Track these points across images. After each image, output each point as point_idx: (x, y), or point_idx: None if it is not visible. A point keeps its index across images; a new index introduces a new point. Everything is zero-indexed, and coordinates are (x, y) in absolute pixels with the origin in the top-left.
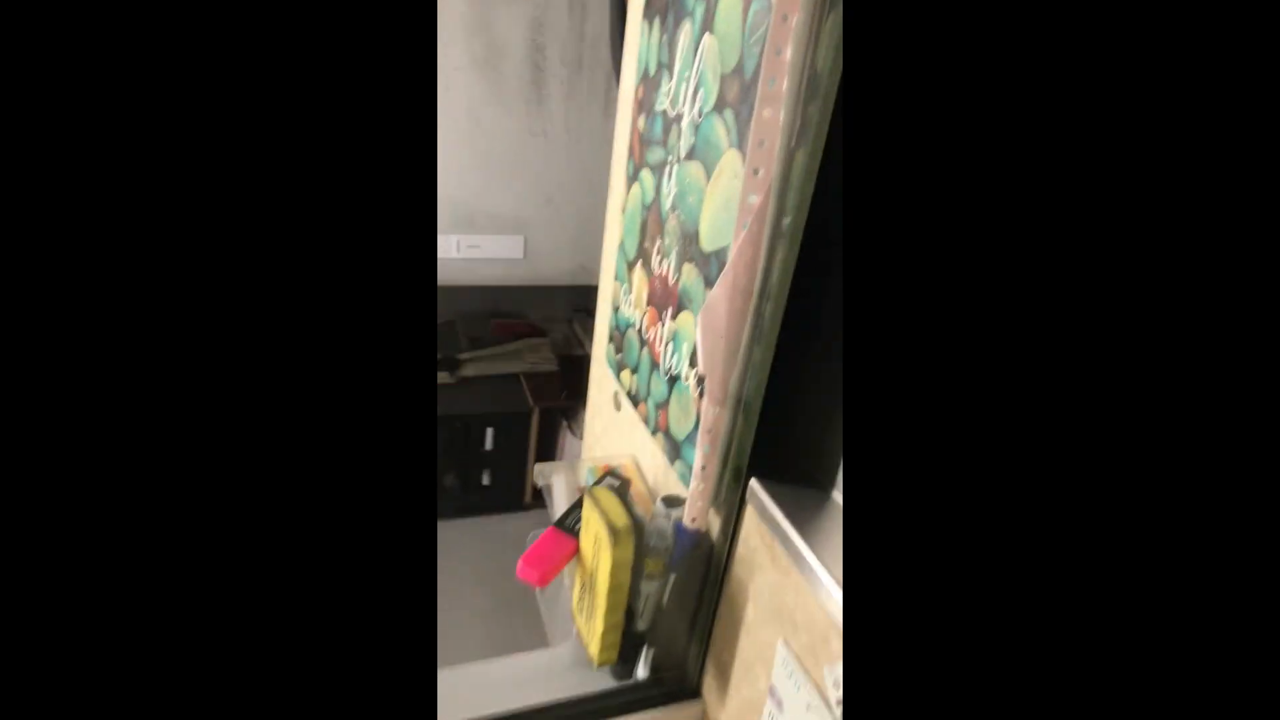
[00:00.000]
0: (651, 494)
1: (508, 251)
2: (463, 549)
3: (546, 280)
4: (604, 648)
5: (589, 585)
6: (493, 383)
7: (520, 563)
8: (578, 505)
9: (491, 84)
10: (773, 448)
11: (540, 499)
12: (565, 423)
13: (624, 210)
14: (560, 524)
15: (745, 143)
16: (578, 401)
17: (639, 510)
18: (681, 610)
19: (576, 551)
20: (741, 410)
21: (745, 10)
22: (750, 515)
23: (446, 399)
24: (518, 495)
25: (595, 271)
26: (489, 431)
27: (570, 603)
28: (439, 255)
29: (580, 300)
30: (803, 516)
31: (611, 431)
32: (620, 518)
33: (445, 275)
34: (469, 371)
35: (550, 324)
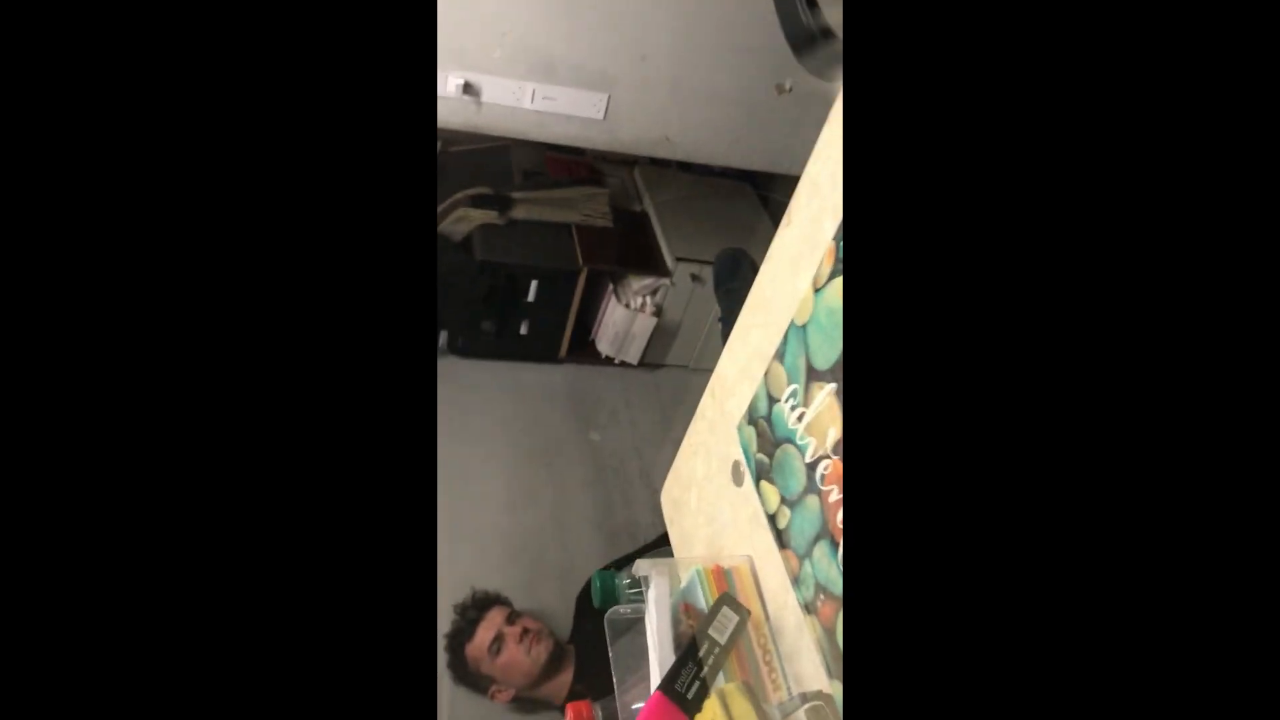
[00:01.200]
0: (772, 629)
1: (587, 110)
2: (491, 393)
3: (625, 148)
4: None
5: None
6: (543, 230)
7: None
8: (689, 656)
9: None
10: None
11: (576, 354)
12: (612, 286)
13: (815, 288)
14: (668, 689)
15: None
16: (628, 266)
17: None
18: None
19: None
20: None
21: None
22: None
23: (494, 242)
24: (554, 348)
25: (681, 147)
26: (533, 284)
27: None
28: (512, 103)
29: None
30: None
31: (720, 504)
32: None
33: (515, 126)
34: (520, 213)
35: (607, 165)
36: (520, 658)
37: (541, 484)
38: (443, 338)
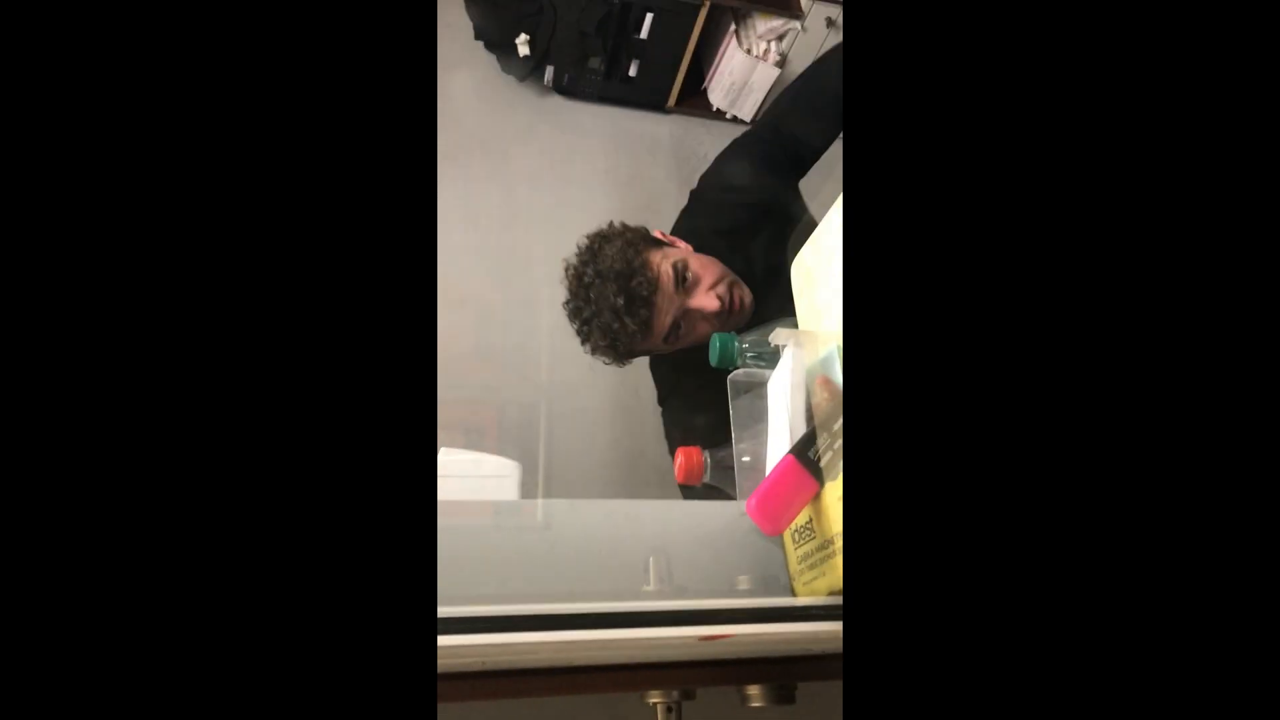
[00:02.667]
0: None
1: None
2: (593, 139)
3: None
4: (811, 593)
5: (825, 553)
6: None
7: (754, 501)
8: (824, 428)
9: None
10: None
11: (685, 104)
12: (734, 27)
13: None
14: (800, 455)
15: None
16: (755, 3)
17: None
18: None
19: (818, 495)
20: None
21: None
22: None
23: None
24: (662, 96)
25: None
26: (649, 18)
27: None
28: None
29: None
30: None
31: None
32: None
33: None
34: None
35: None
36: (717, 327)
37: None
38: (548, 74)
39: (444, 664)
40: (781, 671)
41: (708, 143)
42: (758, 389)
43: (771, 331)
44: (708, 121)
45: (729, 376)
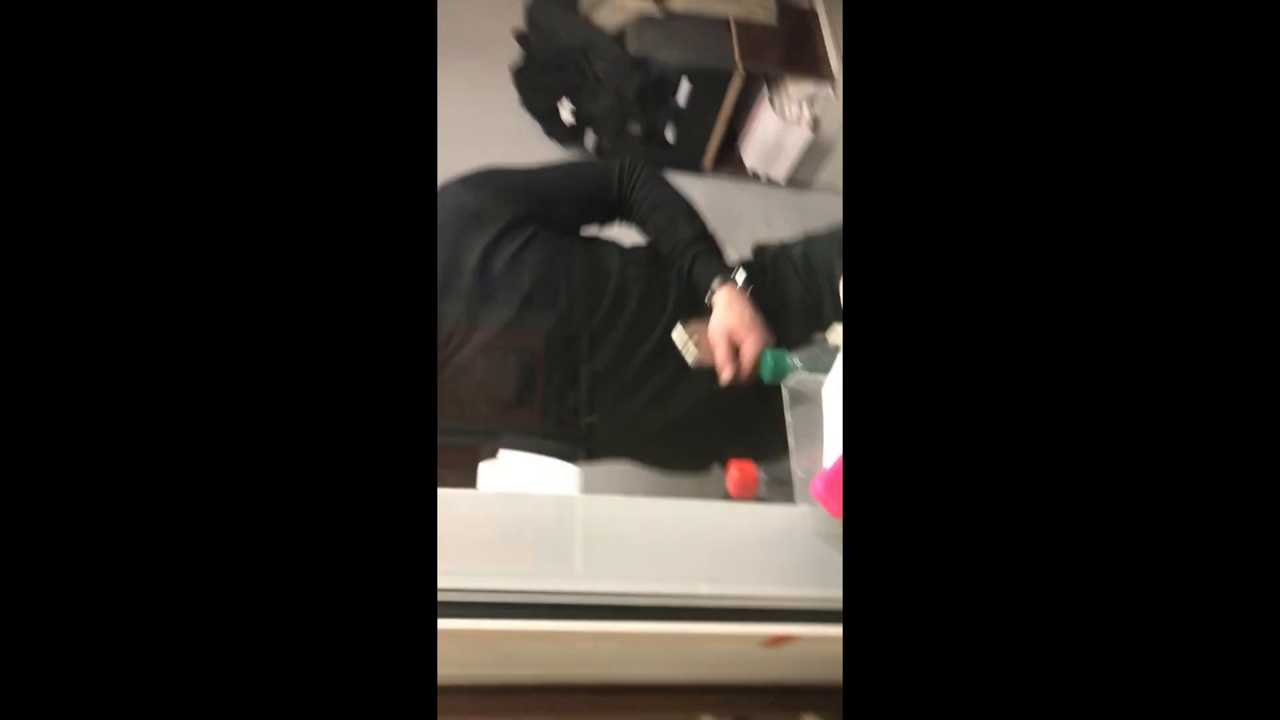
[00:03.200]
0: None
1: None
2: None
3: None
4: None
5: None
6: (700, 25)
7: (820, 483)
8: None
9: None
10: None
11: (720, 166)
12: (767, 91)
13: None
14: None
15: None
16: (788, 68)
17: None
18: None
19: None
20: None
21: None
22: None
23: (648, 35)
24: (697, 158)
25: None
26: (685, 86)
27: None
28: None
29: None
30: None
31: None
32: None
33: None
34: (677, 4)
35: None
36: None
37: None
38: (589, 139)
39: (482, 674)
40: (839, 701)
41: (743, 201)
42: (813, 397)
43: (820, 337)
44: (743, 182)
45: (785, 385)
